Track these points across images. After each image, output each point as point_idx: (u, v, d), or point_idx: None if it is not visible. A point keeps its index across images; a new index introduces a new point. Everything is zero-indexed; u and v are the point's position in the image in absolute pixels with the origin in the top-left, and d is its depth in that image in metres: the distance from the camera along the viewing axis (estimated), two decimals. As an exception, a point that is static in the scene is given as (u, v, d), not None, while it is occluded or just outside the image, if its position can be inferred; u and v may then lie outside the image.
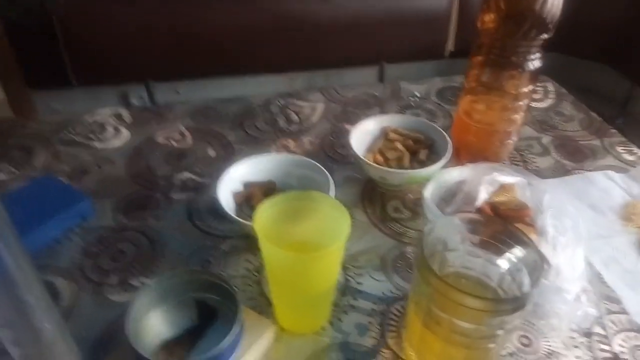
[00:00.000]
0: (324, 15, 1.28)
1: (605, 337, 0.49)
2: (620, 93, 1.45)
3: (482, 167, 0.62)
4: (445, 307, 0.39)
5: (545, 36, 0.60)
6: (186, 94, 1.67)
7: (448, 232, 0.46)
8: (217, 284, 0.47)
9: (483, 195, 0.58)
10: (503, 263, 0.45)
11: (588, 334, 0.49)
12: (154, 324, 0.46)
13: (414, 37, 1.39)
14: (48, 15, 1.17)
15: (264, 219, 0.44)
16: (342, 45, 1.35)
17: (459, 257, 0.47)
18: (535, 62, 0.63)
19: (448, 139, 0.65)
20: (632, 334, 0.49)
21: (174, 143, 0.74)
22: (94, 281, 0.53)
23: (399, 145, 0.66)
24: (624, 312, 0.51)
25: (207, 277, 0.47)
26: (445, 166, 0.62)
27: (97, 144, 0.73)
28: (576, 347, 0.48)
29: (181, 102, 0.83)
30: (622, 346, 0.48)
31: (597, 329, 0.50)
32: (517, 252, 0.44)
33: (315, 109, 0.83)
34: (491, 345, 0.40)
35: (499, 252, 0.45)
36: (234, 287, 0.45)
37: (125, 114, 0.79)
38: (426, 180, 0.62)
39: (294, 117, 0.80)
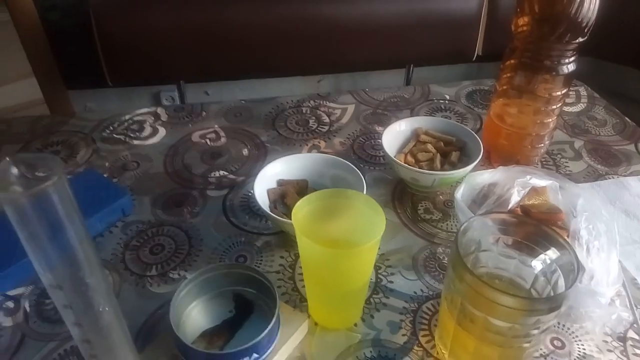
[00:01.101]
0: (352, 18, 1.29)
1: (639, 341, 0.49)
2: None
3: (514, 170, 0.62)
4: (480, 305, 0.40)
5: (580, 40, 0.60)
6: (215, 95, 1.71)
7: (482, 232, 0.46)
8: (254, 278, 0.49)
9: (515, 198, 0.58)
10: (537, 264, 0.46)
11: (622, 339, 0.49)
12: (194, 315, 0.48)
13: (442, 40, 1.39)
14: (86, 18, 1.22)
15: (301, 215, 0.45)
16: (370, 48, 1.36)
17: (492, 257, 0.48)
18: (569, 66, 0.63)
19: (479, 141, 0.65)
20: (668, 339, 0.49)
21: (209, 142, 0.76)
22: (135, 273, 0.55)
23: (431, 147, 0.67)
24: (659, 317, 0.51)
25: (245, 271, 0.49)
26: (476, 168, 0.63)
27: (135, 142, 0.75)
28: (610, 351, 0.48)
29: (215, 103, 0.85)
30: (658, 352, 0.48)
31: (632, 334, 0.50)
32: (552, 253, 0.44)
33: (345, 110, 0.84)
34: (525, 345, 0.41)
35: (533, 254, 0.46)
36: (268, 279, 0.47)
37: (161, 113, 0.82)
38: (457, 182, 0.63)
39: (325, 118, 0.82)
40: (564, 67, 0.63)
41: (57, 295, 0.27)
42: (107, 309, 0.29)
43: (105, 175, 0.68)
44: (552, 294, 0.43)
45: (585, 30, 0.59)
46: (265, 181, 0.60)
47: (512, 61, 0.67)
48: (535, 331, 0.40)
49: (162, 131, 0.78)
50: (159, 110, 0.83)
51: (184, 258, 0.57)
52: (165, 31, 1.17)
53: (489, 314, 0.39)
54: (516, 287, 0.47)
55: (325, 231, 0.46)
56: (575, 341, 0.49)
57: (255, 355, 0.43)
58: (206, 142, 0.76)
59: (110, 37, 1.17)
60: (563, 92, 0.65)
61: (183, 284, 0.46)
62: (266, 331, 0.42)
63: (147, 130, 0.78)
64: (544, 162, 0.72)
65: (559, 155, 0.74)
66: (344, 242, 0.46)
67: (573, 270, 0.40)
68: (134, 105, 1.64)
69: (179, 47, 1.20)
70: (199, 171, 0.70)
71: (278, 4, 1.23)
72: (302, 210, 0.45)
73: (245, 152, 0.74)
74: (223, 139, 0.77)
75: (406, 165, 0.63)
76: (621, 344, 0.49)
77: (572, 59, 0.63)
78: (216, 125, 0.79)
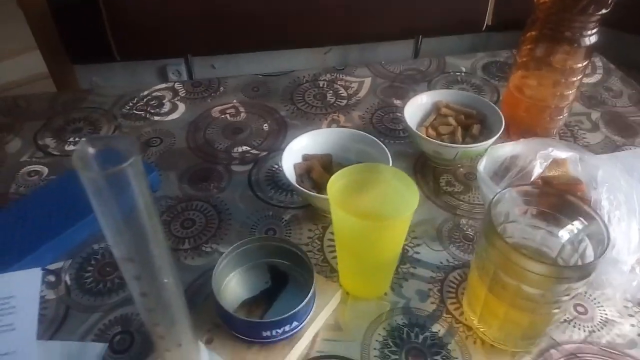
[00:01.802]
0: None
1: (659, 306, 0.51)
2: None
3: (535, 142, 0.63)
4: (513, 272, 0.41)
5: (603, 11, 0.61)
6: (221, 68, 1.69)
7: (510, 205, 0.48)
8: (288, 250, 0.50)
9: (537, 170, 0.60)
10: (564, 234, 0.47)
11: (642, 304, 0.51)
12: (232, 286, 0.50)
13: (452, 10, 1.38)
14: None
15: (336, 189, 0.46)
16: (378, 19, 1.35)
17: (518, 229, 0.49)
18: (591, 38, 0.63)
19: (500, 114, 0.66)
20: (686, 304, 0.51)
21: (229, 117, 0.76)
22: (170, 247, 0.57)
23: (452, 120, 0.68)
24: (677, 283, 0.53)
25: (279, 243, 0.51)
26: (497, 141, 0.64)
27: (156, 118, 0.76)
28: (631, 315, 0.50)
29: (232, 77, 0.85)
30: (676, 315, 0.50)
31: (651, 300, 0.52)
32: (579, 223, 0.46)
33: (362, 84, 0.84)
34: (555, 311, 0.43)
35: (560, 224, 0.47)
36: (304, 251, 0.48)
37: (179, 88, 0.82)
38: (479, 154, 0.64)
39: (342, 92, 0.82)
40: (586, 39, 0.63)
41: (128, 267, 0.29)
42: (171, 279, 0.30)
43: (130, 152, 0.69)
44: (579, 262, 0.45)
45: (609, 2, 0.59)
46: (291, 156, 0.61)
47: (533, 33, 0.67)
48: (565, 297, 0.41)
49: (181, 107, 0.78)
50: (177, 85, 0.83)
51: (215, 232, 0.59)
52: (173, 3, 1.16)
53: (521, 281, 0.41)
54: (543, 255, 0.48)
55: (359, 204, 0.48)
56: (597, 307, 0.51)
57: (295, 322, 0.45)
58: (226, 117, 0.76)
59: (117, 10, 1.16)
60: (584, 64, 0.65)
61: (222, 257, 0.48)
62: (305, 301, 0.44)
63: (167, 106, 0.78)
64: (562, 134, 0.73)
65: (576, 127, 0.75)
66: (377, 215, 0.48)
67: (602, 240, 0.41)
68: (140, 79, 1.63)
69: (187, 19, 1.19)
70: (222, 146, 0.71)
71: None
72: (336, 184, 0.46)
73: (265, 127, 0.75)
74: (243, 114, 0.77)
75: (429, 138, 0.64)
76: (641, 308, 0.51)
77: (594, 30, 0.63)
78: (235, 100, 0.80)
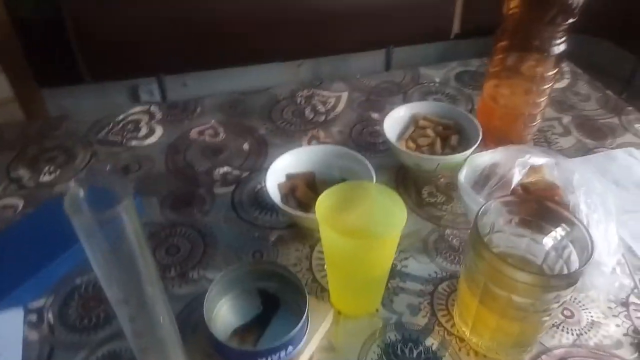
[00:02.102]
0: (330, 2, 1.29)
1: (641, 305, 0.53)
2: (625, 68, 1.47)
3: (512, 150, 0.65)
4: (503, 284, 0.42)
5: (570, 21, 0.63)
6: (194, 86, 1.68)
7: (494, 215, 0.48)
8: (278, 273, 0.50)
9: (517, 178, 0.61)
10: (547, 241, 0.48)
11: (625, 304, 0.53)
12: (223, 313, 0.49)
13: (420, 20, 1.41)
14: (58, 11, 1.18)
15: (324, 208, 0.46)
16: (349, 31, 1.36)
17: (504, 238, 0.50)
18: (560, 47, 0.65)
19: (477, 123, 0.68)
20: (666, 301, 0.53)
21: (208, 138, 0.76)
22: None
23: (430, 132, 0.69)
24: (656, 281, 0.55)
25: (268, 267, 0.50)
26: (475, 150, 0.65)
27: (133, 142, 0.75)
28: (615, 316, 0.52)
29: (208, 97, 0.84)
30: (658, 313, 0.52)
31: (633, 299, 0.53)
32: (562, 230, 0.47)
33: (339, 98, 0.85)
34: (545, 319, 0.44)
35: (544, 231, 0.48)
36: (295, 274, 0.48)
37: (155, 111, 0.81)
38: (459, 164, 0.65)
39: (320, 108, 0.82)
40: (555, 48, 0.65)
41: (123, 309, 0.28)
42: (166, 317, 0.30)
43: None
44: (565, 268, 0.46)
45: (576, 12, 0.61)
46: (275, 175, 0.61)
47: (504, 43, 0.69)
48: (555, 305, 0.42)
49: (159, 130, 0.77)
50: (152, 108, 0.82)
51: (201, 257, 0.58)
52: (143, 22, 1.15)
53: (511, 292, 0.42)
54: (528, 263, 0.49)
55: (348, 223, 0.48)
56: (583, 310, 0.53)
57: (290, 347, 0.44)
58: (205, 139, 0.76)
59: (85, 30, 1.14)
60: (554, 72, 0.67)
61: (211, 285, 0.47)
62: (300, 325, 0.44)
63: (144, 130, 0.77)
64: (536, 140, 0.75)
65: (549, 132, 0.77)
66: (366, 233, 0.48)
67: (586, 246, 0.42)
68: (111, 101, 1.60)
69: (158, 37, 1.18)
70: (203, 168, 0.70)
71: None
72: (324, 204, 0.46)
73: (245, 146, 0.74)
74: (222, 134, 0.77)
75: (410, 151, 0.64)
76: (624, 309, 0.53)
77: (562, 39, 0.65)
78: (213, 120, 0.79)
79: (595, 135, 0.76)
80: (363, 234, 0.48)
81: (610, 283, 0.53)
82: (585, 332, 0.51)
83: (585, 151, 0.73)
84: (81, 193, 0.25)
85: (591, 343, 0.50)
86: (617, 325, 0.51)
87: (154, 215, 0.63)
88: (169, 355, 0.33)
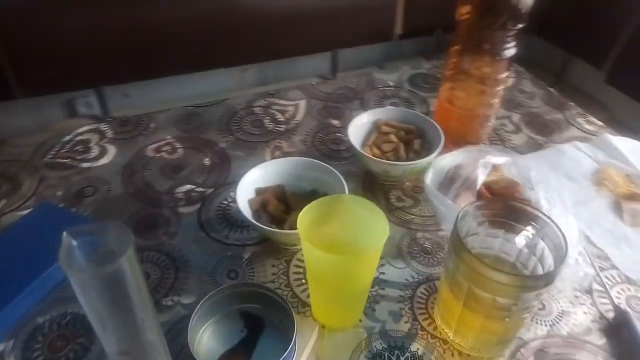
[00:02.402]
0: (273, 6, 1.28)
1: (604, 292, 0.56)
2: (555, 63, 1.57)
3: (473, 151, 0.67)
4: (487, 286, 0.43)
5: (520, 26, 0.66)
6: (136, 96, 1.61)
7: (468, 219, 0.50)
8: (260, 293, 0.49)
9: (481, 178, 0.63)
10: (520, 240, 0.50)
11: (589, 292, 0.56)
12: (206, 340, 0.47)
13: (364, 22, 1.42)
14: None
15: (305, 224, 0.45)
16: (293, 35, 1.35)
17: (478, 240, 0.52)
18: (510, 50, 0.68)
19: (438, 127, 0.69)
20: (625, 285, 0.57)
21: (166, 155, 0.73)
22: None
23: (393, 137, 0.70)
24: (614, 267, 0.59)
25: (249, 288, 0.49)
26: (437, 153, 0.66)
27: (84, 164, 0.70)
28: (582, 304, 0.55)
29: (161, 112, 0.81)
30: (619, 297, 0.55)
31: (595, 286, 0.57)
32: (532, 228, 0.49)
33: (297, 106, 0.84)
34: (526, 315, 0.45)
35: (515, 230, 0.50)
36: (280, 294, 0.47)
37: (105, 129, 0.77)
38: (423, 168, 0.66)
39: (279, 117, 0.81)
40: (506, 51, 0.68)
41: (122, 360, 0.26)
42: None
43: (61, 207, 0.63)
44: (539, 265, 0.48)
45: (525, 17, 0.64)
46: (244, 191, 0.59)
47: (457, 47, 0.71)
48: (535, 302, 0.44)
49: (111, 149, 0.73)
50: (102, 126, 0.78)
51: (173, 282, 0.55)
52: (78, 31, 1.08)
53: (495, 294, 0.43)
54: (502, 262, 0.51)
55: (330, 237, 0.47)
56: (553, 301, 0.55)
57: (282, 370, 0.43)
58: (163, 156, 0.73)
59: (15, 43, 1.06)
60: (506, 74, 0.70)
61: (193, 314, 0.45)
62: (290, 347, 0.43)
63: (95, 150, 0.73)
64: (491, 139, 0.78)
65: (502, 130, 0.80)
66: (349, 246, 0.48)
67: (560, 243, 0.44)
68: (45, 116, 1.50)
69: (96, 47, 1.12)
70: (164, 188, 0.67)
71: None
72: (305, 219, 0.46)
73: (206, 161, 0.72)
74: (180, 150, 0.74)
75: (377, 158, 0.65)
76: (589, 296, 0.56)
77: (513, 43, 0.68)
78: (169, 136, 0.76)
79: (543, 131, 0.80)
80: (346, 248, 0.48)
81: (574, 273, 0.56)
82: (557, 322, 0.53)
83: (536, 147, 0.77)
84: (74, 243, 0.23)
85: (564, 332, 0.52)
86: (585, 313, 0.54)
87: (117, 241, 0.59)
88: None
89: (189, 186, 0.68)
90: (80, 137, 0.75)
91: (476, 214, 0.50)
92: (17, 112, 1.50)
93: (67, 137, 0.75)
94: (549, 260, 0.46)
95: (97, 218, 0.62)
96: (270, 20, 1.28)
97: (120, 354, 0.26)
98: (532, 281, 0.43)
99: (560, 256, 0.44)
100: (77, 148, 0.73)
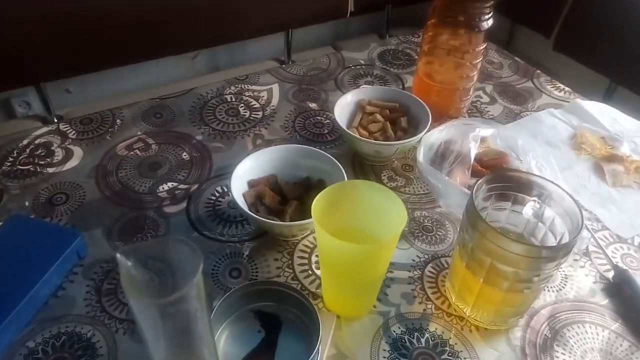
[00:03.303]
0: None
1: (601, 252, 0.58)
2: (502, 32, 1.61)
3: (460, 125, 0.67)
4: (510, 260, 0.43)
5: (497, -4, 0.66)
6: (79, 91, 1.50)
7: (476, 194, 0.49)
8: (274, 290, 0.46)
9: (473, 151, 0.63)
10: (527, 210, 0.51)
11: (587, 254, 0.58)
12: (224, 347, 0.45)
13: (317, 1, 1.39)
14: None
15: (319, 211, 0.43)
16: (244, 17, 1.30)
17: (485, 214, 0.52)
18: (488, 22, 0.68)
19: (422, 103, 0.68)
20: (618, 245, 0.59)
21: (139, 152, 0.68)
22: (125, 319, 0.49)
23: (379, 117, 0.68)
24: (605, 228, 0.61)
25: (261, 286, 0.47)
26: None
27: (49, 169, 0.64)
28: (582, 267, 0.57)
29: (126, 106, 0.75)
30: (615, 257, 0.57)
31: (592, 248, 0.58)
32: (538, 197, 0.49)
33: (271, 91, 0.81)
34: (543, 285, 0.46)
35: (522, 201, 0.50)
36: (297, 289, 0.45)
37: (66, 129, 0.70)
38: (412, 146, 0.65)
39: (254, 103, 0.78)
40: (483, 23, 0.68)
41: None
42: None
43: (32, 217, 0.58)
44: (549, 233, 0.48)
45: (503, -13, 0.64)
46: (237, 185, 0.56)
47: (434, 20, 0.70)
48: (554, 272, 0.45)
49: (77, 151, 0.67)
50: (62, 126, 0.71)
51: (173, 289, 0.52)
52: (13, 22, 0.98)
53: (518, 267, 0.43)
54: (508, 232, 0.52)
55: (344, 224, 0.46)
56: (555, 266, 0.57)
57: (312, 368, 0.41)
58: (136, 153, 0.68)
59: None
60: (484, 46, 0.70)
61: (210, 319, 0.42)
62: (317, 347, 0.41)
63: (59, 153, 0.67)
64: (469, 112, 0.79)
65: (478, 102, 0.81)
66: (364, 233, 0.46)
67: (574, 210, 0.45)
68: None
69: (33, 43, 1.02)
70: (144, 188, 0.63)
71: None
72: (319, 206, 0.44)
73: (185, 156, 0.68)
74: (154, 146, 0.69)
75: (369, 140, 0.63)
76: (587, 258, 0.58)
77: (489, 15, 0.68)
78: (139, 132, 0.71)
79: (517, 100, 0.82)
80: (362, 235, 0.46)
81: (571, 237, 0.58)
82: (563, 287, 0.54)
83: (513, 117, 0.78)
84: (129, 263, 0.20)
85: (570, 296, 0.54)
86: (586, 275, 0.56)
87: (102, 250, 0.55)
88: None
89: (171, 184, 0.63)
90: (39, 141, 0.68)
91: (484, 189, 0.50)
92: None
93: (25, 142, 0.68)
94: (561, 228, 0.47)
95: (76, 226, 0.57)
96: (218, 3, 1.22)
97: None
98: (553, 251, 0.43)
99: (576, 222, 0.44)
100: (37, 152, 0.66)
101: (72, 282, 0.52)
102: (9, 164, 0.64)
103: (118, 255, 0.19)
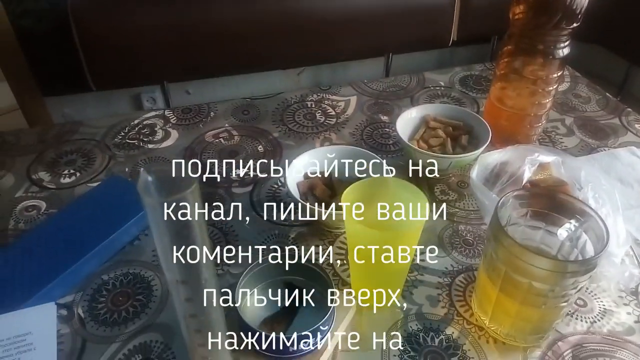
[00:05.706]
0: (330, 10, 1.32)
1: (650, 294, 0.55)
2: (617, 73, 1.52)
3: (521, 149, 0.67)
4: (523, 270, 0.44)
5: (574, 25, 0.66)
6: (196, 93, 1.70)
7: (509, 208, 0.51)
8: (303, 266, 0.52)
9: (527, 175, 0.64)
10: (562, 232, 0.50)
11: (635, 293, 0.55)
12: (252, 305, 0.51)
13: (419, 28, 1.44)
14: (61, 21, 1.19)
15: (349, 201, 0.48)
16: (348, 39, 1.39)
17: (519, 230, 0.52)
18: (564, 50, 0.68)
19: (486, 123, 0.70)
20: (673, 290, 0.55)
21: (223, 141, 0.78)
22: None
23: (441, 132, 0.71)
24: (663, 271, 0.57)
25: (296, 262, 0.52)
26: (484, 150, 0.67)
27: (149, 146, 0.76)
28: (626, 304, 0.54)
29: (221, 102, 0.86)
30: (666, 301, 0.54)
31: (642, 288, 0.56)
32: (575, 220, 0.49)
33: (348, 102, 0.87)
34: (563, 304, 0.46)
35: (558, 223, 0.50)
36: (321, 267, 0.50)
37: (170, 115, 0.83)
38: (469, 163, 0.67)
39: (330, 111, 0.85)
40: (559, 51, 0.68)
41: (180, 290, 0.30)
42: (218, 302, 0.32)
43: (127, 180, 0.69)
44: (580, 257, 0.48)
45: (579, 17, 0.64)
46: (293, 175, 0.63)
47: (510, 47, 0.72)
48: (572, 291, 0.44)
49: (174, 134, 0.79)
50: (167, 113, 0.84)
51: (225, 254, 0.59)
52: (148, 30, 1.16)
53: (532, 278, 0.44)
54: (543, 254, 0.52)
55: (372, 216, 0.50)
56: (595, 299, 0.55)
57: (319, 335, 0.46)
58: (220, 141, 0.78)
59: (92, 40, 1.16)
60: (558, 74, 0.70)
61: (241, 276, 0.49)
62: (328, 314, 0.46)
63: (159, 133, 0.79)
64: (541, 140, 0.78)
65: (553, 133, 0.80)
66: (391, 224, 0.50)
67: (602, 235, 0.45)
68: (114, 109, 1.62)
69: (162, 46, 1.20)
70: (220, 170, 0.72)
71: (257, -1, 1.24)
72: (349, 197, 0.48)
73: (260, 148, 0.76)
74: (236, 137, 0.79)
75: (424, 150, 0.67)
76: (634, 297, 0.55)
77: (566, 43, 0.68)
78: (227, 125, 0.81)
79: (597, 136, 0.79)
80: (388, 225, 0.50)
81: (620, 273, 0.55)
82: (598, 320, 0.53)
83: (589, 150, 0.76)
84: (149, 178, 0.27)
85: (604, 330, 0.52)
86: (628, 313, 0.53)
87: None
88: (217, 338, 0.35)
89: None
90: (147, 122, 0.81)
91: (516, 204, 0.51)
92: (89, 104, 1.63)
93: (135, 122, 0.81)
94: (590, 252, 0.47)
95: (158, 193, 0.67)
96: (326, 24, 1.32)
97: (179, 283, 0.29)
98: (566, 266, 0.43)
99: (601, 245, 0.44)
100: (144, 131, 0.79)
101: (146, 235, 0.62)
102: (120, 137, 0.78)
103: (142, 170, 0.26)
